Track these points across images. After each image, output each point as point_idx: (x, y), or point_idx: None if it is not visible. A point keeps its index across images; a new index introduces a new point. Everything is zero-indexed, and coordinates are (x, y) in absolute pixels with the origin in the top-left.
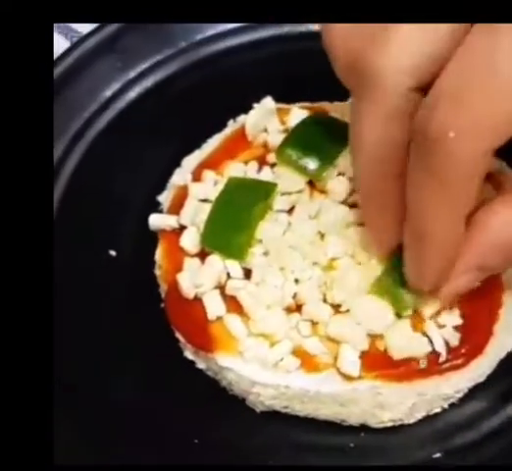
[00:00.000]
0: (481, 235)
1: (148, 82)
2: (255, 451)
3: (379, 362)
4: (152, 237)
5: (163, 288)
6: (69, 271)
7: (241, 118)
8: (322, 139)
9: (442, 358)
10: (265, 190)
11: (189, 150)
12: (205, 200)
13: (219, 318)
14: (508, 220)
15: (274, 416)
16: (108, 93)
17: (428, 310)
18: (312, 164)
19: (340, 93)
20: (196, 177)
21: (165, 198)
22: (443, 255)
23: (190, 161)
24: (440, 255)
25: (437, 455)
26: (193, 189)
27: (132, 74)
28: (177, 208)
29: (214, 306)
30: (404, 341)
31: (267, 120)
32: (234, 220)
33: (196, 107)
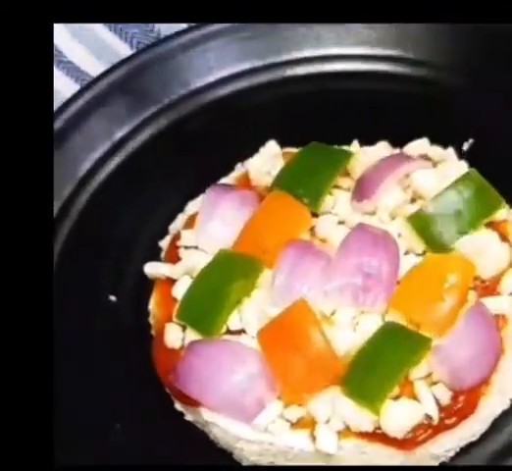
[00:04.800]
0: None
1: (159, 125)
2: None
3: None
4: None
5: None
6: (68, 316)
7: (249, 161)
8: (316, 166)
9: (434, 422)
10: (250, 267)
11: (196, 194)
12: (196, 247)
13: None
14: None
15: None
16: (118, 135)
17: (417, 372)
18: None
19: (346, 137)
20: (190, 223)
21: (165, 244)
22: None
23: (194, 206)
24: None
25: None
26: (184, 236)
27: (143, 116)
28: (173, 256)
29: None
30: (399, 421)
31: (272, 164)
32: (211, 297)
33: (205, 150)
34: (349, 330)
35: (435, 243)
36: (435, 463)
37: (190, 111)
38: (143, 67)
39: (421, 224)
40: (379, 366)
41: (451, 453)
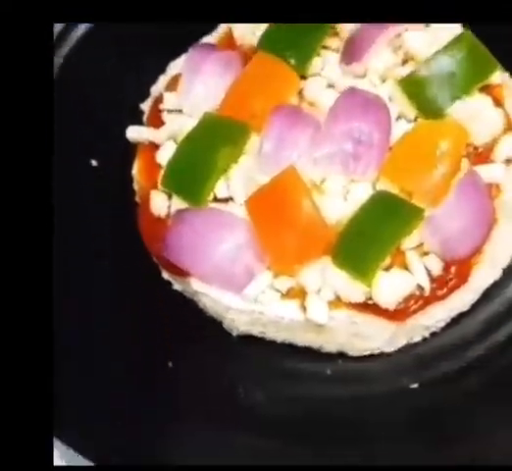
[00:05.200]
0: None
1: None
2: (230, 376)
3: None
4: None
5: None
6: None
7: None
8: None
9: (426, 293)
10: (237, 132)
11: (177, 54)
12: (180, 111)
13: None
14: None
15: (250, 340)
16: None
17: (408, 243)
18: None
19: None
20: (172, 85)
21: (147, 107)
22: None
23: (175, 66)
24: None
25: (415, 386)
26: (166, 99)
27: None
28: (155, 119)
29: None
30: (391, 291)
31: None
32: (197, 163)
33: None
34: (340, 198)
35: (427, 108)
36: (426, 334)
37: None
38: None
39: (413, 87)
40: (371, 236)
41: (441, 324)
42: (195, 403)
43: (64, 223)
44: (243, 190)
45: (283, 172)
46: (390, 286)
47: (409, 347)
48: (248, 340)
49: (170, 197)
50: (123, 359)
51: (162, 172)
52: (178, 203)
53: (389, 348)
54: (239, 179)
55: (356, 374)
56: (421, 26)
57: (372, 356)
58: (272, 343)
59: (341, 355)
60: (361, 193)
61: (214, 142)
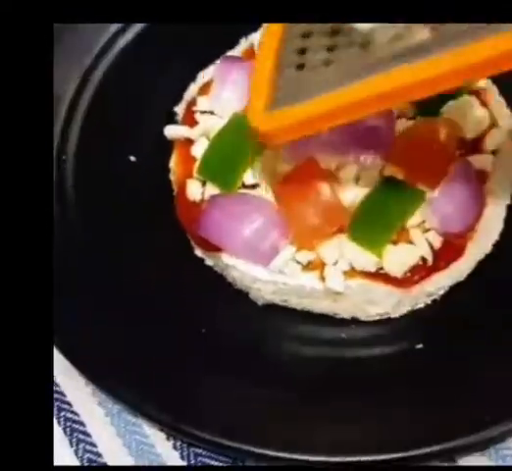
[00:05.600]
0: None
1: None
2: (255, 339)
3: None
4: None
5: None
6: (93, 174)
7: (253, 36)
8: None
9: (429, 263)
10: None
11: (205, 66)
12: (211, 112)
13: None
14: None
15: (274, 308)
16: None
17: (412, 221)
18: None
19: None
20: (204, 90)
21: (180, 109)
22: None
23: (205, 75)
24: None
25: (420, 346)
26: (199, 102)
27: None
28: (189, 120)
29: None
30: (399, 261)
31: None
32: (228, 154)
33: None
34: (353, 184)
35: (424, 108)
36: (428, 300)
37: None
38: None
39: None
40: (380, 215)
41: (442, 291)
42: (224, 360)
43: (106, 212)
44: (268, 177)
45: (305, 162)
46: (398, 257)
47: (413, 313)
48: (272, 308)
49: (203, 185)
50: (161, 325)
51: (197, 163)
52: (211, 189)
53: (396, 314)
54: (264, 167)
55: (368, 337)
56: None
57: (381, 321)
58: (293, 311)
59: (354, 321)
60: (370, 179)
61: (243, 137)
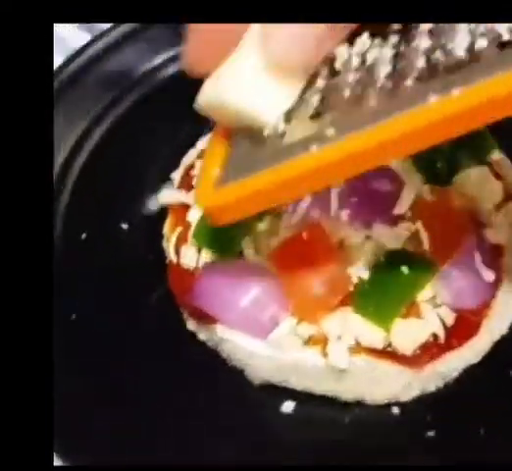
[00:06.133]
0: None
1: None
2: (249, 423)
3: None
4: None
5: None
6: (81, 243)
7: None
8: None
9: (441, 341)
10: None
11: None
12: None
13: None
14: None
15: (271, 389)
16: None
17: (423, 295)
18: None
19: None
20: (202, 156)
21: (177, 176)
22: None
23: (204, 141)
24: None
25: (431, 434)
26: (198, 166)
27: (156, 61)
28: (186, 185)
29: None
30: (409, 337)
31: None
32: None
33: None
34: (359, 252)
35: (434, 177)
36: (441, 383)
37: None
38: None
39: (421, 160)
40: (390, 287)
41: (455, 373)
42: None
43: (93, 282)
44: (267, 244)
45: (309, 228)
46: (408, 332)
47: (424, 397)
48: (268, 388)
49: (199, 252)
50: (146, 403)
51: (192, 229)
52: (207, 257)
53: (405, 397)
54: (264, 234)
55: (373, 422)
56: None
57: (387, 406)
58: (291, 392)
59: (358, 404)
60: (378, 248)
61: None
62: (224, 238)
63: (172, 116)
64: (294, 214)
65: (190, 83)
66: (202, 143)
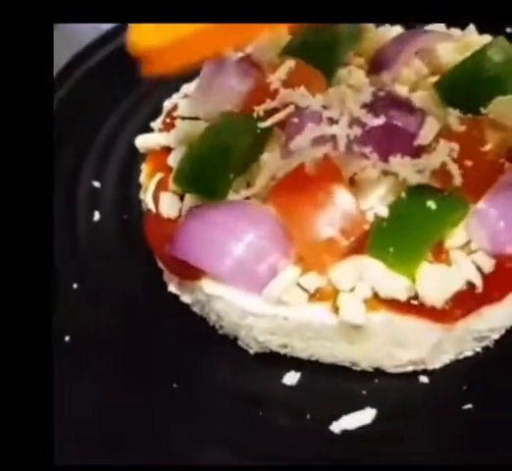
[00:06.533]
0: None
1: None
2: (247, 399)
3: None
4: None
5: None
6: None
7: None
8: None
9: (478, 290)
10: (260, 129)
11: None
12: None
13: None
14: None
15: (270, 359)
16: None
17: (454, 240)
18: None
19: None
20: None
21: (157, 124)
22: None
23: (189, 87)
24: None
25: (468, 406)
26: (181, 105)
27: None
28: (168, 127)
29: None
30: (438, 286)
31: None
32: (216, 155)
33: None
34: (375, 188)
35: (464, 109)
36: (478, 347)
37: None
38: None
39: (449, 89)
40: (414, 224)
41: (496, 336)
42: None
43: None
44: (266, 189)
45: (318, 161)
46: (437, 279)
47: (458, 363)
48: (267, 358)
49: (181, 199)
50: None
51: (173, 171)
52: (191, 201)
53: (434, 363)
54: (262, 177)
55: (397, 395)
56: (450, 37)
57: (414, 374)
58: (294, 361)
59: (378, 373)
60: (397, 185)
61: (233, 136)
62: (211, 176)
63: None
64: (296, 144)
65: None
66: (186, 88)
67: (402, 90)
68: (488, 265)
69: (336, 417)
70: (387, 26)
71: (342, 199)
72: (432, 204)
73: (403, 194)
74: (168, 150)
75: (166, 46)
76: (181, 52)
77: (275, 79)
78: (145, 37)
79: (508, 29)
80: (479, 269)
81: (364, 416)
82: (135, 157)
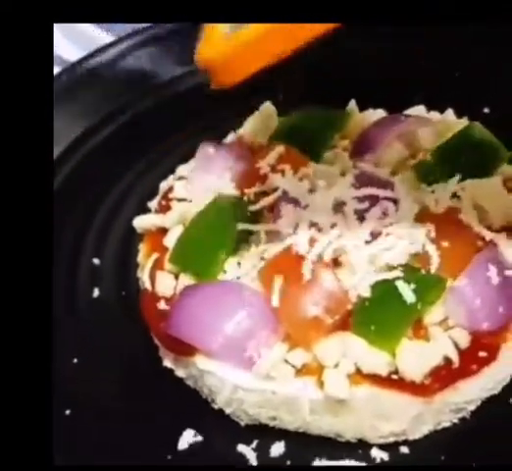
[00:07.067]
0: None
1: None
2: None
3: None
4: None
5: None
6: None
7: (241, 130)
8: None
9: (454, 365)
10: (251, 212)
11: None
12: (190, 200)
13: None
14: None
15: (260, 430)
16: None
17: (432, 317)
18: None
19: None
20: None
21: (154, 204)
22: None
23: (184, 168)
24: None
25: None
26: (177, 188)
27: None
28: (164, 208)
29: None
30: (417, 361)
31: (266, 125)
32: (210, 236)
33: (198, 125)
34: (357, 267)
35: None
36: (455, 419)
37: (188, 87)
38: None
39: (426, 172)
40: (394, 304)
41: (472, 407)
42: None
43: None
44: (255, 269)
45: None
46: (416, 355)
47: (436, 434)
48: (257, 430)
49: (176, 278)
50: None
51: (169, 252)
52: (186, 280)
53: (415, 434)
54: (251, 257)
55: (379, 466)
56: (429, 122)
57: (396, 445)
58: (284, 433)
59: (362, 444)
60: (379, 262)
61: (225, 219)
62: (204, 257)
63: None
64: (283, 227)
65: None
66: (181, 169)
67: (384, 172)
68: (465, 341)
69: None
70: (370, 110)
71: (327, 280)
72: (411, 284)
73: (385, 275)
74: (164, 231)
75: (234, 53)
76: (249, 58)
77: (264, 165)
78: (213, 48)
79: (486, 110)
80: (455, 345)
81: None
82: (133, 236)
